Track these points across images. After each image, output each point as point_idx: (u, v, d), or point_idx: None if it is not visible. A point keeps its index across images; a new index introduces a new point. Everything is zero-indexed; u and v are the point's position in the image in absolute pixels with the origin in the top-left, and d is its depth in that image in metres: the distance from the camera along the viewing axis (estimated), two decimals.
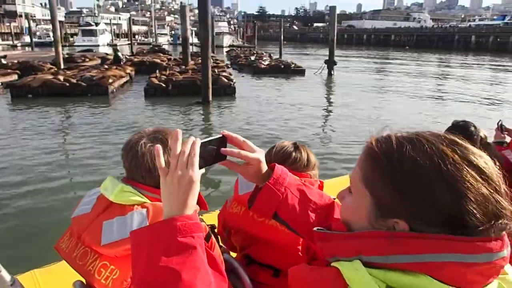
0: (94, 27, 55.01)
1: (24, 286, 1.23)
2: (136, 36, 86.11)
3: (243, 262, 1.47)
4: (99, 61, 20.55)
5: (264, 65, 19.89)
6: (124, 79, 14.76)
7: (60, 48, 17.54)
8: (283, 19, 46.07)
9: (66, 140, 7.94)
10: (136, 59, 19.80)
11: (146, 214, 1.07)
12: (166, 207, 0.75)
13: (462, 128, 2.20)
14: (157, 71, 14.03)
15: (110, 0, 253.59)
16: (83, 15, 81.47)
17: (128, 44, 42.23)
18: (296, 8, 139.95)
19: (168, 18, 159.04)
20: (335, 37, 19.20)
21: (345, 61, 31.50)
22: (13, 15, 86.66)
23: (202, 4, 10.32)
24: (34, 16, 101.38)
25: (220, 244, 1.56)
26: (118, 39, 70.03)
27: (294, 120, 9.67)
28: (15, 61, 17.78)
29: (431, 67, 28.04)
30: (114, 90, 13.01)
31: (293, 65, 20.13)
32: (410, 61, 33.38)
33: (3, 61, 17.19)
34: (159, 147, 0.75)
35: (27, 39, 64.32)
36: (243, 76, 18.67)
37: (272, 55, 27.26)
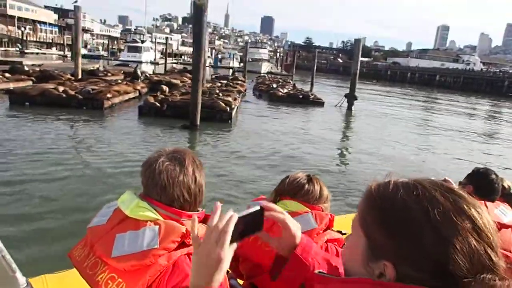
0: (139, 44, 57.20)
1: None
2: (183, 57, 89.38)
3: None
4: (121, 76, 20.79)
5: (282, 93, 19.23)
6: (131, 95, 14.61)
7: (79, 60, 17.93)
8: (316, 50, 45.61)
9: (49, 149, 7.64)
10: (155, 78, 19.81)
11: (157, 231, 1.06)
12: (194, 275, 0.82)
13: (482, 175, 2.12)
14: (159, 91, 13.72)
15: (167, 21, 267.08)
16: (131, 32, 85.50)
17: (169, 62, 43.23)
18: (343, 42, 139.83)
19: (217, 42, 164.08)
20: (358, 71, 18.34)
21: (378, 96, 30.39)
22: (73, 28, 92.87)
23: (197, 25, 9.91)
24: (92, 31, 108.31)
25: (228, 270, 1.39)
26: (163, 57, 72.65)
27: (288, 154, 8.91)
28: (37, 69, 18.28)
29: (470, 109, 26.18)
30: (114, 105, 12.84)
31: (312, 96, 19.33)
32: (454, 103, 31.54)
33: (26, 68, 17.72)
34: (218, 205, 0.81)
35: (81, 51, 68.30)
36: (255, 103, 18.16)
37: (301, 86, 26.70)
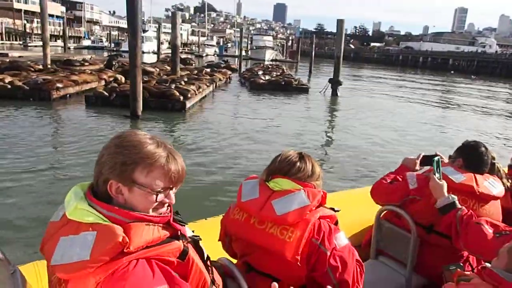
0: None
1: (25, 276, 1.23)
2: (192, 46, 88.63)
3: (243, 269, 1.49)
4: (101, 65, 20.03)
5: (263, 80, 18.14)
6: (92, 85, 13.82)
7: (48, 50, 17.21)
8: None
9: None
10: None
11: (93, 238, 0.94)
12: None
13: (472, 148, 2.15)
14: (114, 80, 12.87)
15: (179, 11, 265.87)
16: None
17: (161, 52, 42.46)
18: (355, 27, 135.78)
19: (227, 31, 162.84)
20: (342, 54, 17.08)
21: (376, 83, 28.97)
22: (81, 20, 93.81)
23: (131, 8, 8.96)
24: (101, 22, 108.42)
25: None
26: (164, 46, 72.07)
27: (234, 150, 7.72)
28: (7, 60, 17.66)
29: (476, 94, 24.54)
30: (68, 95, 12.09)
31: (296, 82, 18.18)
32: (461, 85, 29.81)
33: None
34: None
35: (85, 42, 68.38)
36: (232, 92, 17.13)
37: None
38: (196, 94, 12.11)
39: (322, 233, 1.37)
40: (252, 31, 54.59)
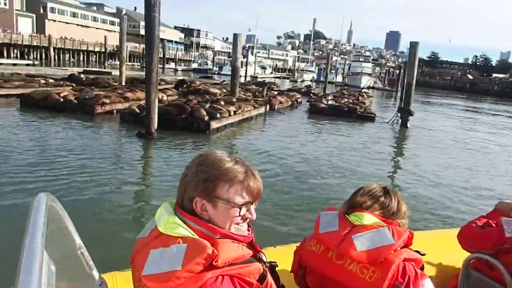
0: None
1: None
2: (295, 72, 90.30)
3: None
4: (171, 85, 20.95)
5: (325, 104, 16.89)
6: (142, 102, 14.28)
7: (123, 68, 18.52)
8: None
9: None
10: (199, 87, 19.40)
11: (184, 250, 0.98)
12: None
13: None
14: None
15: (289, 39, 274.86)
16: (244, 48, 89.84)
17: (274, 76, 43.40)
18: (475, 56, 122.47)
19: (334, 58, 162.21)
20: (414, 80, 15.03)
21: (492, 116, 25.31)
22: (197, 46, 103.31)
23: (148, 27, 8.87)
24: (213, 48, 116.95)
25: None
26: (267, 71, 74.34)
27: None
28: (91, 77, 19.48)
29: None
30: (114, 111, 12.59)
31: (361, 109, 16.54)
32: None
33: (82, 76, 19.03)
34: None
35: (193, 65, 74.14)
36: (288, 116, 16.22)
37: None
38: (230, 115, 11.57)
39: (407, 277, 1.27)
40: (350, 58, 53.22)
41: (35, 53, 50.29)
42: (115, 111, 12.70)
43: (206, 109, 10.87)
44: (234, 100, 13.89)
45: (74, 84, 16.72)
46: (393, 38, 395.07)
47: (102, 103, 12.16)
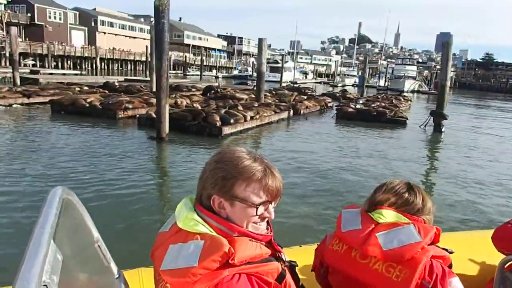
0: (279, 65, 59.45)
1: (128, 282, 1.30)
2: (337, 77, 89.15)
3: None
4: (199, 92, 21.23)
5: (352, 108, 16.34)
6: None
7: (154, 76, 19.00)
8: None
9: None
10: (226, 92, 19.52)
11: (201, 247, 0.98)
12: None
13: None
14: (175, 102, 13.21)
15: (334, 44, 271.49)
16: (285, 55, 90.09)
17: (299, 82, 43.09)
18: None
19: (380, 62, 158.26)
20: (448, 81, 14.15)
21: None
22: (239, 53, 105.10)
23: (157, 34, 8.98)
24: (255, 55, 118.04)
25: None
26: (309, 76, 73.78)
27: None
28: (124, 84, 20.22)
29: None
30: (136, 116, 12.91)
31: (391, 113, 15.83)
32: None
33: (116, 84, 19.82)
34: None
35: (234, 72, 75.19)
36: (311, 121, 15.85)
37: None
38: (246, 120, 11.48)
39: (434, 275, 1.22)
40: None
41: (86, 63, 53.32)
42: (137, 115, 13.05)
43: (221, 114, 10.85)
44: (256, 105, 13.80)
45: (107, 91, 17.45)
46: (444, 39, 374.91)
47: (125, 108, 12.55)
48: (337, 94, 27.32)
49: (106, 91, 17.38)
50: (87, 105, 12.75)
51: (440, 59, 17.27)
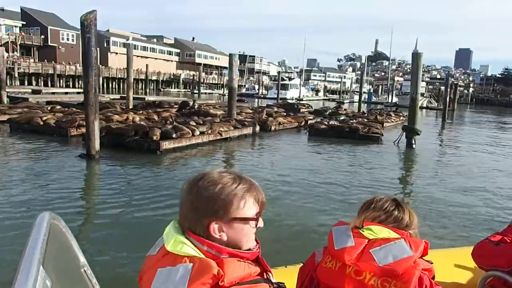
0: (286, 82, 59.54)
1: None
2: (349, 94, 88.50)
3: None
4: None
5: (325, 125, 15.76)
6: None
7: (130, 93, 19.02)
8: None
9: None
10: (200, 109, 19.24)
11: (190, 270, 0.97)
12: None
13: None
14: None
15: (350, 61, 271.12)
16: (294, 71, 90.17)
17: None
18: None
19: (396, 78, 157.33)
20: (418, 94, 13.49)
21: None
22: (252, 71, 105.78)
23: (85, 49, 8.75)
24: (269, 73, 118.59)
25: None
26: (317, 93, 73.30)
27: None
28: (104, 102, 20.17)
29: None
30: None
31: (365, 129, 15.17)
32: None
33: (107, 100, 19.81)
34: None
35: (242, 90, 75.53)
36: (278, 139, 15.33)
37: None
38: (194, 135, 11.09)
39: (424, 287, 1.28)
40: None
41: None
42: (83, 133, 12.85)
43: (163, 128, 10.51)
44: (217, 120, 13.42)
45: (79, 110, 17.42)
46: (463, 55, 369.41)
47: (78, 125, 12.36)
48: (329, 110, 26.75)
49: (79, 110, 17.40)
50: (42, 123, 12.66)
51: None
